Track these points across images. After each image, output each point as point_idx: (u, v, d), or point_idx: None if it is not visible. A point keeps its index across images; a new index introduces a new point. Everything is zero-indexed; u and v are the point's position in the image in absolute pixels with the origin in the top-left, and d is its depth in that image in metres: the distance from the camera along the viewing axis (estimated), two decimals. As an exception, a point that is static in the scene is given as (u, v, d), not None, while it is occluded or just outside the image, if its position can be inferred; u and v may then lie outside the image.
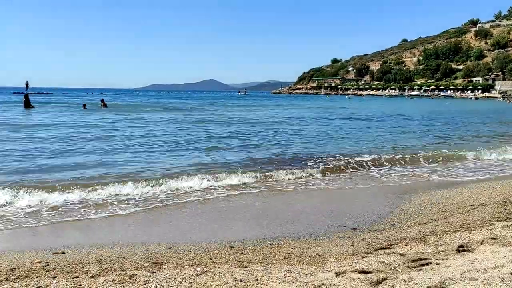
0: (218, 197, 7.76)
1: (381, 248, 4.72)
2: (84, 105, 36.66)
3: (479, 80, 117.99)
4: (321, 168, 10.33)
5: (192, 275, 3.90)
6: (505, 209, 6.45)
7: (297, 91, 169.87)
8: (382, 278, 3.60)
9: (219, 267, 4.15)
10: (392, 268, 3.92)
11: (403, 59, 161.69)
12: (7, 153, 11.77)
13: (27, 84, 43.56)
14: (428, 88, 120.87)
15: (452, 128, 23.22)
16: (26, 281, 3.75)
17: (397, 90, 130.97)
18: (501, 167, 11.27)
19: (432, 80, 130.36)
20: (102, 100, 41.92)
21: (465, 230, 5.34)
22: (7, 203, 6.84)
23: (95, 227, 6.00)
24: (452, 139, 17.64)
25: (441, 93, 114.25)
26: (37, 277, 3.85)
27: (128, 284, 3.65)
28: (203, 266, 4.23)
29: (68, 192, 7.47)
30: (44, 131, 17.88)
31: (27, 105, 34.91)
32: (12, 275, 3.93)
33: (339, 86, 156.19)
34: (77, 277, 3.86)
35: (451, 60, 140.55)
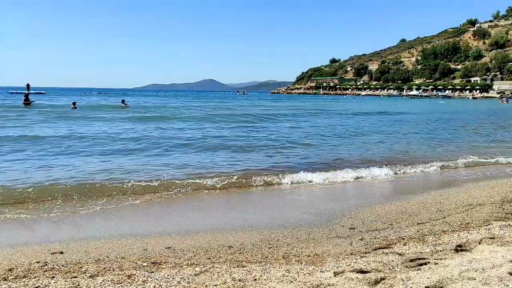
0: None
1: (380, 248, 4.73)
2: (74, 103, 36.73)
3: (477, 80, 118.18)
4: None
5: (190, 274, 3.90)
6: (503, 208, 6.47)
7: (296, 91, 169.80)
8: (380, 278, 3.60)
9: (217, 267, 4.15)
10: (391, 267, 3.92)
11: (402, 59, 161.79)
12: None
13: (28, 85, 45.49)
14: (427, 88, 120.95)
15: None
16: (24, 281, 3.74)
17: (396, 90, 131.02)
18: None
19: (431, 80, 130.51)
20: (123, 101, 43.38)
21: (463, 230, 5.36)
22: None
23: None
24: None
25: (439, 93, 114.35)
26: (35, 277, 3.84)
27: (126, 284, 3.65)
28: (202, 265, 4.23)
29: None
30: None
31: (27, 102, 39.38)
32: (10, 275, 3.92)
33: (338, 86, 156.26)
34: (76, 277, 3.85)
35: (449, 60, 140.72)
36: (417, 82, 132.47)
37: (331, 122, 26.51)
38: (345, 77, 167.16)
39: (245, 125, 23.44)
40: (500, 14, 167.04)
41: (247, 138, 17.13)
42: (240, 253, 4.81)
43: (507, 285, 3.26)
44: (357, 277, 3.66)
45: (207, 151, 13.06)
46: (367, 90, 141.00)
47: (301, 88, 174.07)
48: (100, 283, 3.67)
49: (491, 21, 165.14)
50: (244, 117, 29.78)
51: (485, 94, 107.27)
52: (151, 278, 3.78)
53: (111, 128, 20.06)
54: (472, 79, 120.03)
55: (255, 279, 3.74)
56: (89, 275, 3.91)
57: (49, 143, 14.07)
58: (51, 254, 4.74)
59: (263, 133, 19.23)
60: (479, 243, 4.60)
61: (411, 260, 4.10)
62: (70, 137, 15.88)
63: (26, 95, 41.86)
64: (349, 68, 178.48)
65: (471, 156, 12.06)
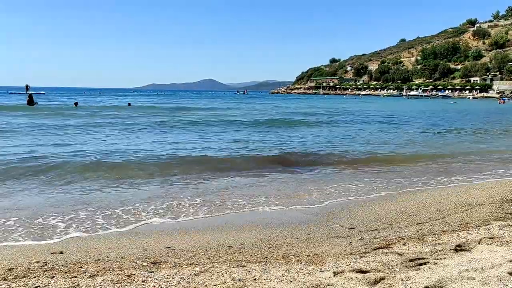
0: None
1: (379, 248, 4.73)
2: (76, 103, 37.80)
3: (477, 80, 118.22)
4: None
5: (190, 274, 3.90)
6: (503, 208, 6.47)
7: (296, 90, 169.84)
8: (380, 278, 3.60)
9: (217, 267, 4.15)
10: (390, 267, 3.92)
11: (401, 59, 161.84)
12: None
13: (27, 86, 45.81)
14: (427, 88, 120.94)
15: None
16: (24, 281, 3.74)
17: (396, 90, 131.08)
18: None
19: (430, 80, 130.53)
20: (129, 104, 42.97)
21: (463, 230, 5.36)
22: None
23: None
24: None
25: (439, 93, 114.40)
26: (35, 277, 3.84)
27: (126, 283, 3.65)
28: (201, 265, 4.23)
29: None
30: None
31: (30, 103, 39.75)
32: (10, 275, 3.92)
33: (337, 86, 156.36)
34: (75, 276, 3.85)
35: (449, 60, 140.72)
36: (416, 82, 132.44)
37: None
38: (345, 77, 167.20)
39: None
40: (500, 14, 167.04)
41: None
42: (240, 253, 4.81)
43: (507, 285, 3.27)
44: (356, 277, 3.67)
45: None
46: (367, 90, 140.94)
47: (301, 88, 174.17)
48: (100, 283, 3.67)
49: (491, 21, 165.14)
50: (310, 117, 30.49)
51: (485, 94, 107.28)
52: (150, 278, 3.78)
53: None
54: (472, 79, 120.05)
55: (255, 279, 3.75)
56: (88, 275, 3.91)
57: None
58: (51, 254, 4.74)
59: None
60: (479, 243, 4.60)
61: (410, 260, 4.10)
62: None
63: (30, 96, 42.47)
64: (349, 68, 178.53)
65: None
